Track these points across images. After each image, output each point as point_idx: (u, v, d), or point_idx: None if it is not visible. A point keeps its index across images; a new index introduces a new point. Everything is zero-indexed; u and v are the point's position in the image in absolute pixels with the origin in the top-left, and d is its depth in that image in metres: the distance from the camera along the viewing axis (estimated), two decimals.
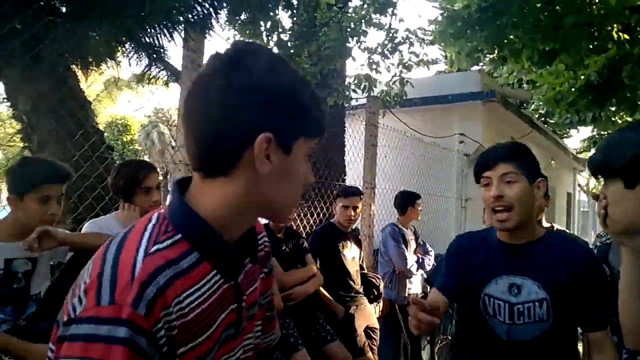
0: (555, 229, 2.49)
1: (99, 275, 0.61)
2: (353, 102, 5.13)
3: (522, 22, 5.66)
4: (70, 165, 2.65)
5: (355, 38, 4.90)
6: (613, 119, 8.13)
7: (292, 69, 0.72)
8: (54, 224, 1.80)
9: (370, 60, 5.16)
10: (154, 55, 3.33)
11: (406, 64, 5.29)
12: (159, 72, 4.24)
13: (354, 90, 5.02)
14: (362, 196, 3.47)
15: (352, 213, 3.29)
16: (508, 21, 5.62)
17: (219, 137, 0.67)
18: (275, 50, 4.73)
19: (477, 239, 1.67)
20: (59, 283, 1.92)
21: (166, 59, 3.52)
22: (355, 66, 19.24)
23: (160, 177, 2.35)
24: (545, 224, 2.50)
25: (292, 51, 4.58)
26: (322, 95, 4.92)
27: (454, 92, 6.68)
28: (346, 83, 5.22)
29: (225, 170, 0.69)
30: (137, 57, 3.67)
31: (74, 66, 3.26)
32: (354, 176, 4.97)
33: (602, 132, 11.60)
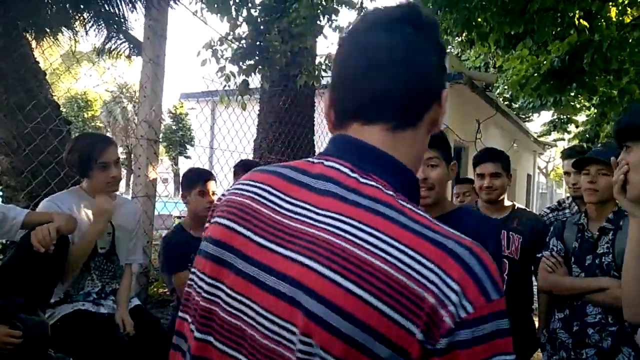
0: (516, 207, 2.55)
1: (469, 271, 0.53)
2: (323, 82, 5.08)
3: (490, 5, 5.70)
4: (22, 138, 2.52)
5: (326, 16, 4.82)
6: (572, 103, 8.39)
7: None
8: None
9: (341, 40, 5.10)
10: (115, 26, 3.18)
11: None
12: (121, 44, 4.08)
13: (324, 70, 4.96)
14: None
15: None
16: (477, 3, 5.65)
17: (422, 87, 0.66)
18: (245, 26, 4.60)
19: None
20: (12, 261, 1.84)
21: (128, 31, 3.38)
22: (325, 45, 19.08)
23: (124, 156, 2.26)
24: (508, 203, 2.55)
25: (261, 27, 4.46)
26: (293, 74, 4.85)
27: None
28: (317, 62, 5.15)
29: (415, 123, 0.67)
30: (97, 28, 3.50)
31: (27, 34, 3.08)
32: None
33: (562, 116, 11.97)
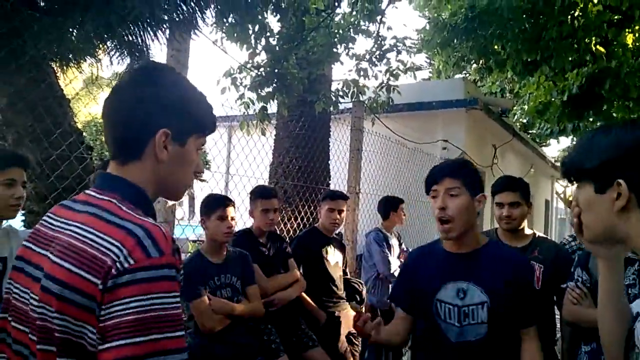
0: (537, 235, 2.50)
1: (137, 239, 0.81)
2: (340, 107, 5.13)
3: (507, 32, 5.74)
4: (47, 165, 2.57)
5: (343, 44, 4.90)
6: (590, 129, 8.32)
7: (189, 84, 1.00)
8: (19, 207, 1.81)
9: (358, 67, 5.16)
10: (137, 54, 3.27)
11: (393, 72, 5.30)
12: None
13: (341, 96, 5.01)
14: (347, 200, 3.45)
15: (338, 216, 3.26)
16: (494, 31, 5.69)
17: (129, 130, 0.93)
18: (264, 54, 4.69)
19: (425, 251, 1.86)
20: None
21: (150, 58, 3.46)
22: (342, 72, 19.32)
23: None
24: (528, 231, 2.51)
25: (279, 55, 4.54)
26: (310, 100, 4.90)
27: (438, 99, 6.72)
28: (333, 89, 5.20)
29: (137, 156, 0.93)
30: (119, 55, 3.60)
31: (53, 63, 3.18)
32: (338, 181, 4.96)
33: None
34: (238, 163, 4.22)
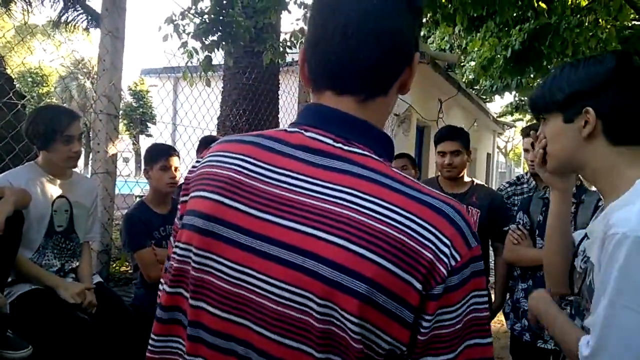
0: (474, 183, 2.63)
1: (456, 226, 0.61)
2: (287, 59, 5.03)
3: None
4: None
5: None
6: (532, 85, 8.63)
7: None
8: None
9: (306, 16, 5.04)
10: None
11: None
12: (78, 16, 3.91)
13: (289, 47, 4.91)
14: None
15: None
16: None
17: (393, 56, 0.66)
18: (207, 0, 4.49)
19: None
20: None
21: (86, 2, 3.24)
22: (290, 21, 18.81)
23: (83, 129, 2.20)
24: (467, 179, 2.63)
25: (224, 2, 4.36)
26: (257, 51, 4.77)
27: None
28: (281, 39, 5.08)
29: (386, 91, 0.68)
30: None
31: None
32: None
33: (523, 98, 12.31)
34: (183, 114, 4.12)
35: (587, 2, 6.80)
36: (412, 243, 0.58)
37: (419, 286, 0.57)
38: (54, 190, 2.08)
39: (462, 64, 9.54)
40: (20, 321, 1.91)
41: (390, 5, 0.64)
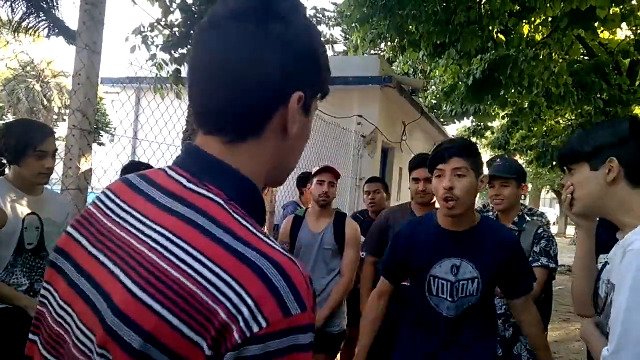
0: None
1: (270, 286, 0.51)
2: None
3: (421, 14, 5.96)
4: None
5: None
6: (489, 112, 9.01)
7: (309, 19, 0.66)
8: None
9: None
10: (43, 4, 2.93)
11: None
12: (39, 22, 3.76)
13: None
14: None
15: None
16: (409, 12, 5.88)
17: (257, 96, 0.60)
18: (178, 13, 4.43)
19: (417, 226, 1.86)
20: None
21: (54, 9, 3.13)
22: None
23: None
24: (437, 205, 2.69)
25: (195, 16, 4.32)
26: None
27: (355, 75, 6.84)
28: None
29: (256, 133, 0.61)
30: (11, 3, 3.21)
31: None
32: None
33: (480, 124, 12.81)
34: (148, 128, 4.00)
35: (541, 37, 7.21)
36: (205, 298, 0.50)
37: (207, 351, 0.49)
38: (24, 206, 1.98)
39: (425, 89, 9.84)
40: None
41: (252, 44, 0.59)
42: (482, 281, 1.70)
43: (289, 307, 0.50)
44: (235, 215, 0.57)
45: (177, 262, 0.52)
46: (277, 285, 0.51)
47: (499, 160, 2.56)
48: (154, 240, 0.55)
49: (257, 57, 0.59)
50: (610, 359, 0.99)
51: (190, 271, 0.51)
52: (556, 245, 2.35)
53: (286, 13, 0.61)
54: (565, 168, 1.30)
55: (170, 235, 0.55)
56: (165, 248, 0.54)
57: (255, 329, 0.49)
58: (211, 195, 0.58)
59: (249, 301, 0.49)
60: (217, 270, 0.51)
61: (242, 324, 0.49)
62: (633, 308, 0.96)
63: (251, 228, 0.56)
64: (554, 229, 22.25)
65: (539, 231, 2.33)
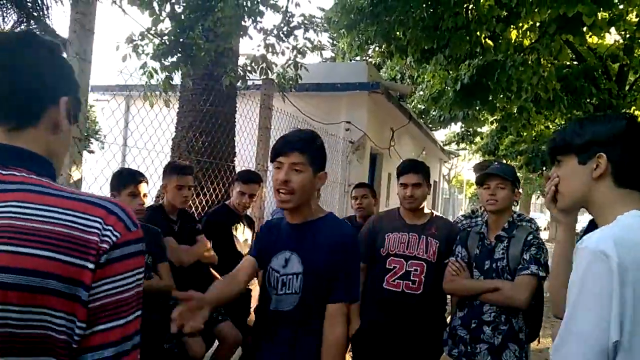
0: (434, 215, 2.73)
1: (116, 215, 0.78)
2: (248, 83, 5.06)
3: (408, 19, 6.03)
4: None
5: (251, 17, 4.81)
6: (477, 117, 9.09)
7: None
8: None
9: (266, 42, 5.11)
10: (33, 12, 2.94)
11: (300, 49, 5.33)
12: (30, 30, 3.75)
13: (249, 72, 4.94)
14: (261, 184, 3.45)
15: (248, 200, 3.22)
16: (396, 17, 5.95)
17: (32, 92, 0.82)
18: (167, 22, 4.46)
19: (277, 220, 1.88)
20: None
21: (44, 18, 3.13)
22: (250, 47, 18.88)
23: None
24: (427, 210, 2.73)
25: (185, 24, 4.35)
26: (216, 74, 4.77)
27: (342, 81, 6.91)
28: (241, 63, 5.11)
29: (32, 122, 0.82)
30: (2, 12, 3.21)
31: None
32: (243, 157, 4.93)
33: (469, 129, 12.93)
34: (137, 135, 4.01)
35: (530, 42, 7.30)
36: (84, 235, 0.75)
37: (91, 266, 0.74)
38: None
39: (412, 94, 9.93)
40: None
41: (28, 56, 0.82)
42: (304, 278, 1.64)
43: (128, 226, 0.79)
44: (53, 183, 0.80)
45: (42, 219, 0.73)
46: (120, 215, 0.79)
47: (496, 162, 2.59)
48: (14, 213, 0.73)
49: (37, 69, 0.83)
50: (553, 354, 1.01)
51: (57, 221, 0.74)
52: (546, 251, 2.29)
53: (43, 46, 0.85)
54: (555, 159, 1.28)
55: (19, 203, 0.74)
56: (22, 213, 0.73)
57: (115, 239, 0.77)
58: (23, 174, 0.79)
59: (108, 226, 0.77)
60: (80, 214, 0.76)
61: (108, 239, 0.76)
62: (577, 304, 0.99)
63: (72, 189, 0.82)
64: (544, 235, 22.35)
65: (529, 238, 2.29)
